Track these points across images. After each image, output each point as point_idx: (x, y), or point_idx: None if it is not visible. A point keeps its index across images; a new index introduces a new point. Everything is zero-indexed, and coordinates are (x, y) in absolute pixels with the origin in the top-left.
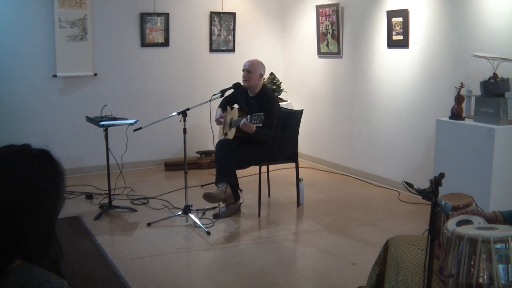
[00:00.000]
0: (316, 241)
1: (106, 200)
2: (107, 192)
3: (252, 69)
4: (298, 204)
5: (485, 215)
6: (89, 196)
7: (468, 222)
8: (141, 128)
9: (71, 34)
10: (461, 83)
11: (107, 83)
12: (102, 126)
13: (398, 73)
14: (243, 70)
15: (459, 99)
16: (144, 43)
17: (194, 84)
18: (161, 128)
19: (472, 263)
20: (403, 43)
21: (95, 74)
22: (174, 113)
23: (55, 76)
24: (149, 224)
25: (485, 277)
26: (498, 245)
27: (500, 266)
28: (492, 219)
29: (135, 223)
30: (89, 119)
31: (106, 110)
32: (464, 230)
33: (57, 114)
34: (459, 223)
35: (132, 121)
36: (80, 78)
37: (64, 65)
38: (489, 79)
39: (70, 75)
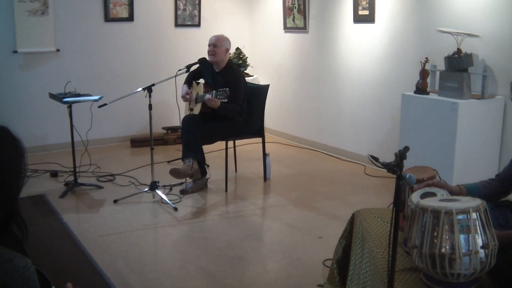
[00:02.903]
0: (282, 216)
1: (71, 178)
2: (72, 169)
3: (218, 43)
4: (265, 179)
5: (450, 188)
6: (54, 174)
7: (432, 194)
8: (106, 104)
9: (31, 9)
10: (426, 58)
11: (70, 59)
12: (66, 102)
13: (364, 48)
14: (209, 45)
15: (424, 73)
16: (108, 18)
17: (159, 59)
18: (127, 104)
19: (435, 234)
20: (369, 18)
21: (58, 50)
22: (139, 89)
23: (15, 52)
24: (115, 201)
25: (447, 247)
26: (460, 216)
27: (462, 236)
28: (457, 192)
29: (101, 200)
30: (52, 96)
31: (69, 87)
32: (428, 202)
33: (19, 91)
34: (423, 196)
35: (96, 97)
36: (42, 54)
37: (25, 41)
38: (453, 54)
39: (31, 51)
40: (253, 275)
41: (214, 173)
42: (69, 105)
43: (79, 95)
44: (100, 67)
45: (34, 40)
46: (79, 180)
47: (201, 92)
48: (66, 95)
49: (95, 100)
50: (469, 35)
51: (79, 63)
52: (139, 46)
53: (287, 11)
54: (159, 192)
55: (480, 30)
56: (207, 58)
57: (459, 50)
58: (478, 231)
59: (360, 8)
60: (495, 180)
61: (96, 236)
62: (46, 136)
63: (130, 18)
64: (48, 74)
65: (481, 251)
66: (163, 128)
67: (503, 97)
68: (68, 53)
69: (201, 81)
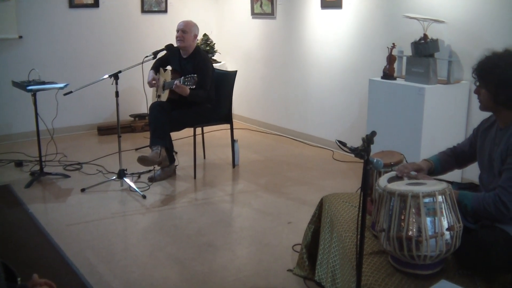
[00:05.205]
0: (252, 201)
1: (37, 167)
2: (37, 159)
3: (187, 29)
4: (234, 165)
5: (421, 166)
6: (19, 164)
7: (398, 178)
8: (71, 92)
9: None
10: (393, 44)
11: (34, 46)
12: (30, 90)
13: (331, 33)
14: (177, 30)
15: (391, 59)
16: (73, 4)
17: (125, 46)
18: (93, 92)
19: (402, 217)
20: (337, 4)
21: (20, 37)
22: (106, 76)
23: None
24: (83, 190)
25: (414, 230)
26: (427, 200)
27: (428, 219)
28: (428, 167)
29: (68, 190)
30: (15, 84)
31: (33, 74)
32: (395, 186)
33: None
34: (390, 180)
35: (61, 85)
36: (3, 40)
37: None
38: (420, 39)
39: None
40: (223, 261)
41: (183, 160)
42: (33, 93)
43: (43, 83)
44: (65, 54)
45: None
46: (45, 170)
47: (168, 79)
48: (30, 83)
49: (61, 88)
50: (435, 21)
51: (43, 50)
52: (105, 33)
53: None
54: (127, 180)
55: (446, 16)
56: (175, 44)
57: (425, 36)
58: (444, 213)
59: None
60: (452, 156)
61: (64, 225)
62: (10, 125)
63: (96, 4)
64: (11, 61)
65: (447, 233)
66: (131, 116)
67: (468, 82)
68: (31, 40)
69: (168, 67)
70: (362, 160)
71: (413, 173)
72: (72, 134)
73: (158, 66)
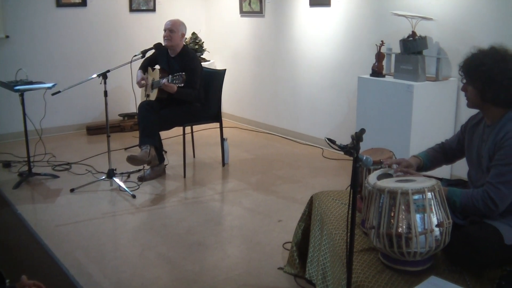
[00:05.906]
0: (242, 200)
1: (25, 168)
2: (26, 159)
3: (174, 28)
4: (223, 164)
5: (410, 162)
6: (7, 165)
7: (388, 175)
8: (59, 91)
9: None
10: (382, 41)
11: (21, 46)
12: (17, 91)
13: (320, 31)
14: (165, 30)
15: (379, 56)
16: (60, 3)
17: (114, 45)
18: (81, 91)
19: (392, 214)
20: (325, 2)
21: (7, 36)
22: (94, 75)
23: None
24: (72, 190)
25: (404, 226)
26: (416, 196)
27: (418, 216)
28: (417, 163)
29: (57, 190)
30: (2, 84)
31: (21, 74)
32: (385, 183)
33: None
34: (380, 177)
35: (49, 84)
36: None
37: None
38: (408, 37)
39: None
40: (213, 260)
41: (172, 159)
42: (21, 93)
43: (31, 83)
44: (53, 54)
45: None
46: (34, 170)
47: (156, 78)
48: (17, 83)
49: (48, 88)
50: (424, 18)
51: (31, 50)
52: (93, 32)
53: None
54: (116, 179)
55: (434, 13)
56: (163, 43)
57: (413, 33)
58: (433, 210)
59: None
60: (440, 152)
61: (53, 226)
62: None
63: (83, 3)
64: None
65: (436, 229)
66: (120, 115)
67: (457, 79)
68: (18, 39)
69: (157, 67)
70: (352, 158)
71: (394, 166)
72: (60, 134)
73: (147, 65)
